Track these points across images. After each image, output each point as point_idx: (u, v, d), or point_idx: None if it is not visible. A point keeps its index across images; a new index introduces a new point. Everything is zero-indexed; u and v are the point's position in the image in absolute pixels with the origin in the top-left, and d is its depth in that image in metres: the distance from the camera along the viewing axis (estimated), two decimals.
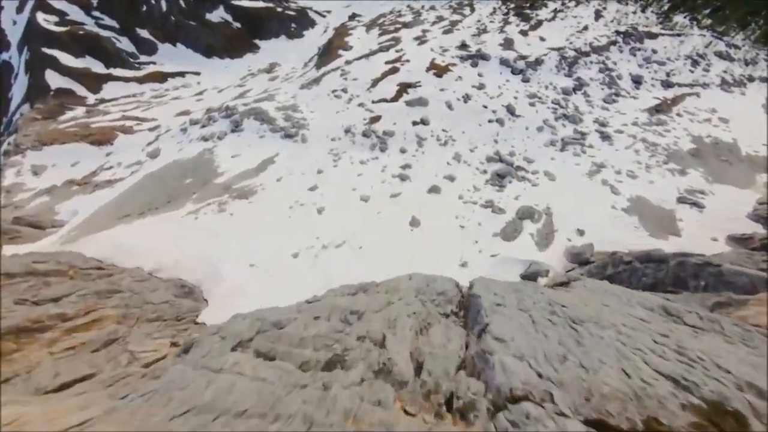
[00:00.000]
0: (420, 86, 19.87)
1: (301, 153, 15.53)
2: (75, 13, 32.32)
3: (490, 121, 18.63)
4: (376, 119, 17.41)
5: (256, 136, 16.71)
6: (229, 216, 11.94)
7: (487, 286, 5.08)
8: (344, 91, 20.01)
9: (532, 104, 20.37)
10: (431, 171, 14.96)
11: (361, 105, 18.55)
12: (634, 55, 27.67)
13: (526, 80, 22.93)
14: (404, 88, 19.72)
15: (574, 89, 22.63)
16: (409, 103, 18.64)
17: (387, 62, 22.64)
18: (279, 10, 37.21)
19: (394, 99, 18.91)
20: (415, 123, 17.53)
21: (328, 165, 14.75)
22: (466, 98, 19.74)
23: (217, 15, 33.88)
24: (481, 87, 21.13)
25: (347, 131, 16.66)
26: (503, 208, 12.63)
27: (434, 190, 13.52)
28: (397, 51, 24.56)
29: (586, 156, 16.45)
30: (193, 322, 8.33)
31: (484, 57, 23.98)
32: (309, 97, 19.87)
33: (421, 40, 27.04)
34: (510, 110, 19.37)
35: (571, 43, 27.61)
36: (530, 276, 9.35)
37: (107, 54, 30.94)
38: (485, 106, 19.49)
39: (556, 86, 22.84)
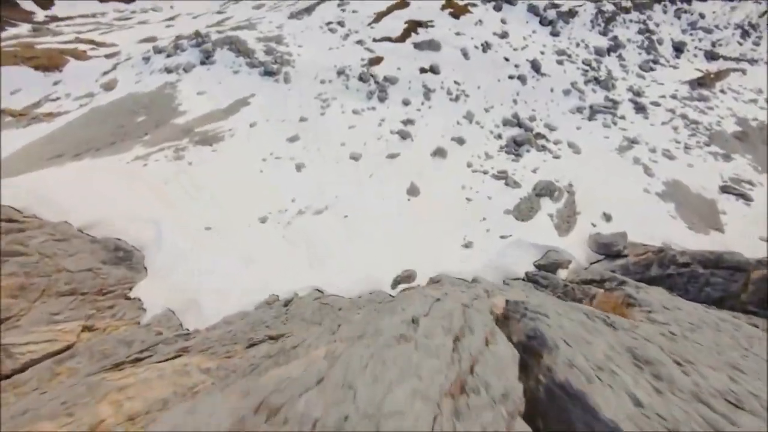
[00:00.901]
0: (432, 26, 16.90)
1: (282, 95, 13.05)
2: None
3: (510, 77, 16.14)
4: (376, 61, 14.73)
5: (230, 71, 13.98)
6: (187, 165, 9.86)
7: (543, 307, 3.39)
8: (341, 24, 16.90)
9: (560, 62, 17.77)
10: (437, 130, 12.83)
11: (359, 42, 15.67)
12: (679, 18, 24.51)
13: (555, 33, 19.98)
14: (413, 26, 16.73)
15: (609, 50, 19.90)
16: (417, 46, 15.84)
17: (398, 5, 19.19)
18: None
19: (400, 39, 16.04)
20: (423, 70, 14.95)
21: (313, 112, 12.43)
22: (486, 47, 16.97)
23: None
24: (503, 35, 18.22)
25: (341, 73, 14.06)
26: (518, 182, 10.85)
27: (439, 153, 11.54)
28: None
29: (616, 128, 14.46)
30: (124, 296, 6.67)
31: (510, 0, 20.62)
32: (298, 29, 16.74)
33: None
34: (535, 67, 16.81)
35: None
36: (548, 266, 7.86)
37: None
38: (507, 59, 16.83)
39: (588, 44, 20.04)
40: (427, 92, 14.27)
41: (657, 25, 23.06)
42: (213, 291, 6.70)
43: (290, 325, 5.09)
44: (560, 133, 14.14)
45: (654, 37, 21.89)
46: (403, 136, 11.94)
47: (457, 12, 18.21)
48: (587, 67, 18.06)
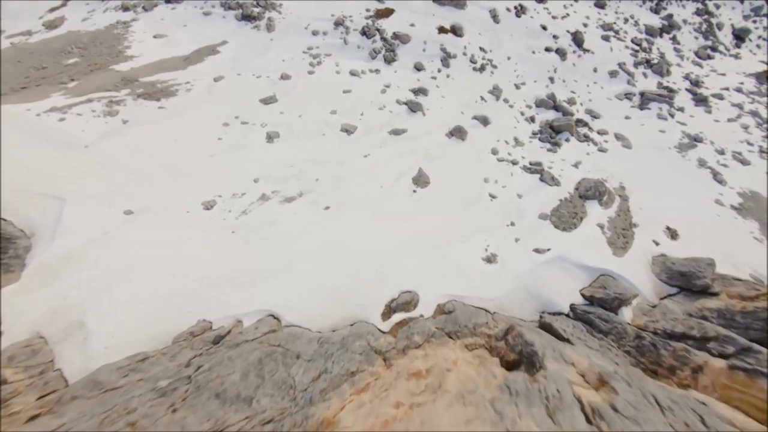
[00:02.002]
0: None
1: (261, 46, 10.65)
2: None
3: (547, 49, 13.73)
4: (384, 13, 12.25)
5: (199, 11, 11.49)
6: (120, 124, 7.60)
7: None
8: None
9: (605, 38, 15.32)
10: (456, 104, 10.55)
11: None
12: (741, 2, 21.84)
13: (600, 5, 17.41)
14: None
15: (662, 31, 17.40)
16: (438, 1, 13.32)
17: None
18: None
19: None
20: (442, 30, 12.50)
21: (299, 70, 10.08)
22: (520, 11, 14.47)
23: None
24: (541, 0, 15.65)
25: (339, 24, 11.61)
26: (557, 178, 8.69)
27: (457, 133, 9.29)
28: None
29: (674, 122, 12.22)
30: None
31: None
32: None
33: None
34: (577, 40, 14.38)
35: None
36: (604, 300, 5.80)
37: None
38: (544, 27, 14.37)
39: (638, 21, 17.51)
40: (446, 57, 11.89)
41: (717, 6, 20.44)
42: (112, 311, 4.59)
43: (198, 399, 3.00)
44: (605, 121, 11.91)
45: (713, 21, 19.34)
46: (413, 108, 9.66)
47: None
48: (637, 47, 15.64)
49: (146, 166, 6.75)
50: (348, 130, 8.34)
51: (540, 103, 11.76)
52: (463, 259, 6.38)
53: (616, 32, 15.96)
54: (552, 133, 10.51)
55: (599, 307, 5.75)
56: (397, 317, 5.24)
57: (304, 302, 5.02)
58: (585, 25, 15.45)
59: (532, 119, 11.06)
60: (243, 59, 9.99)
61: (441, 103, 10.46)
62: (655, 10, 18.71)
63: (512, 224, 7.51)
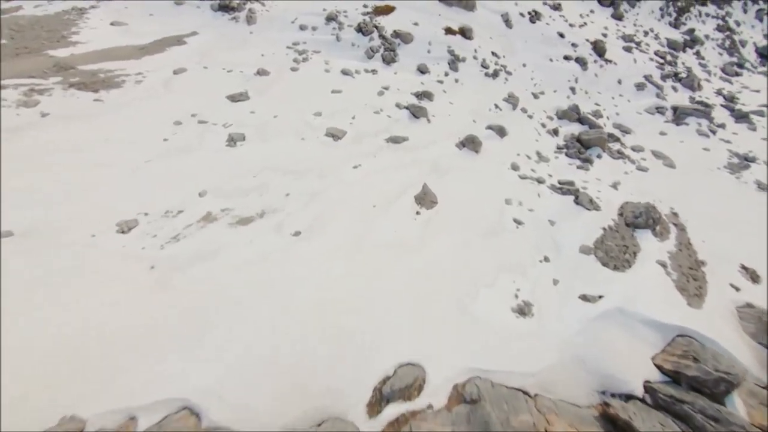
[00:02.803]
0: None
1: (238, 38, 9.35)
2: None
3: (566, 58, 12.65)
4: (384, 10, 11.14)
5: (170, 1, 10.26)
6: (38, 117, 6.02)
7: None
8: None
9: (627, 50, 14.38)
10: (466, 111, 9.16)
11: None
12: (761, 20, 21.49)
13: (618, 17, 16.68)
14: None
15: (685, 45, 16.60)
16: (445, 1, 12.31)
17: None
18: None
19: None
20: (450, 31, 11.37)
21: (281, 66, 8.71)
22: (535, 16, 13.53)
23: None
24: (556, 7, 14.83)
25: (331, 19, 10.42)
26: (595, 200, 7.13)
27: (470, 144, 7.81)
28: None
29: (716, 139, 10.91)
30: None
31: None
32: None
33: None
34: (598, 50, 13.36)
35: None
36: (705, 383, 4.03)
37: None
38: (561, 35, 13.38)
39: (658, 35, 16.75)
40: (454, 61, 10.66)
41: (738, 24, 19.95)
42: None
43: None
44: (638, 137, 10.58)
45: (735, 38, 18.71)
46: (416, 113, 8.21)
47: None
48: (662, 60, 14.68)
49: (54, 173, 5.09)
50: (334, 135, 6.81)
51: (562, 115, 10.45)
52: (486, 312, 4.66)
53: (638, 44, 15.07)
54: (581, 148, 9.08)
55: (694, 390, 3.98)
56: (392, 410, 3.45)
57: (242, 387, 3.24)
58: (604, 35, 14.53)
59: (555, 132, 9.67)
60: (214, 52, 8.62)
61: (449, 109, 9.07)
62: (675, 25, 18.07)
63: (546, 260, 5.86)
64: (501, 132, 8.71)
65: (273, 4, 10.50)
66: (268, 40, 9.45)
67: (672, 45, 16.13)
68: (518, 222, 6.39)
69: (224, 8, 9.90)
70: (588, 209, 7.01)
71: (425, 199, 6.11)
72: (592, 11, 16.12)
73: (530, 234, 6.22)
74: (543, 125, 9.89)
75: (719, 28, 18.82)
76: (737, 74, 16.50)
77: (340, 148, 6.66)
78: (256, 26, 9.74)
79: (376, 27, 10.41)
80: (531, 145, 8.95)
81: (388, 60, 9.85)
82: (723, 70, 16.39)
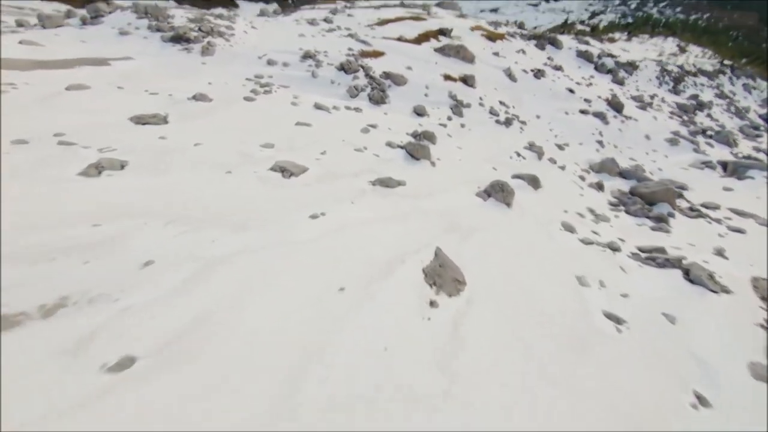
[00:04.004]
0: (460, 38, 12.88)
1: (185, 67, 7.54)
2: None
3: (583, 112, 11.34)
4: (372, 54, 9.88)
5: (115, 32, 8.81)
6: None
7: None
8: (327, 21, 12.83)
9: (641, 108, 13.45)
10: (480, 158, 7.04)
11: (351, 36, 11.17)
12: (750, 93, 22.18)
13: (619, 82, 16.42)
14: (435, 34, 12.67)
15: (695, 108, 16.08)
16: (441, 51, 11.38)
17: (413, 18, 15.95)
18: None
19: (415, 42, 11.69)
20: (449, 78, 10.03)
21: (232, 94, 6.71)
22: (539, 74, 12.71)
23: None
24: (558, 68, 14.33)
25: (308, 56, 8.95)
26: (714, 276, 4.43)
27: (498, 193, 5.38)
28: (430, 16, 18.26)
29: None
30: None
31: (554, 43, 17.76)
32: (265, 22, 12.53)
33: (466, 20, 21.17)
34: (614, 106, 12.27)
35: (667, 58, 22.25)
36: None
37: None
38: (571, 90, 12.38)
39: (664, 99, 16.33)
40: (458, 105, 8.99)
41: (733, 93, 20.29)
42: None
43: None
44: (699, 193, 8.46)
45: (738, 104, 18.65)
46: (415, 153, 5.95)
47: (492, 36, 14.68)
48: (680, 118, 13.70)
49: None
50: (285, 171, 4.29)
51: (600, 168, 8.44)
52: None
53: (649, 104, 14.27)
54: (645, 205, 6.73)
55: None
56: None
57: None
58: (614, 95, 13.71)
59: (599, 186, 7.47)
60: (144, 76, 6.64)
61: (458, 153, 6.91)
62: (675, 92, 17.98)
63: (702, 401, 2.90)
64: (534, 183, 6.40)
65: (241, 41, 9.14)
66: (223, 71, 7.68)
67: (682, 107, 15.50)
68: (615, 319, 3.55)
69: (177, 40, 8.38)
70: (713, 291, 4.29)
71: (443, 276, 3.31)
72: (592, 76, 15.80)
73: (646, 344, 3.34)
74: (582, 178, 7.74)
75: (719, 96, 18.87)
76: (758, 136, 15.63)
77: (292, 188, 4.07)
78: (212, 58, 8.09)
79: (363, 67, 8.93)
80: (576, 200, 6.60)
81: (377, 99, 8.06)
82: (741, 131, 15.56)
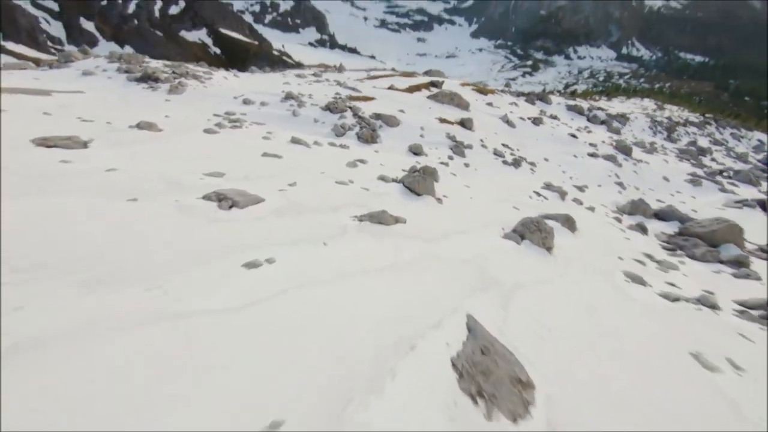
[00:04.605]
0: (452, 89, 12.65)
1: (144, 103, 6.55)
2: None
3: (592, 155, 10.57)
4: (361, 99, 9.22)
5: (78, 72, 8.08)
6: None
7: None
8: (316, 75, 12.62)
9: (648, 152, 12.87)
10: (494, 198, 5.80)
11: (339, 84, 10.72)
12: (740, 141, 22.48)
13: (614, 131, 16.25)
14: (427, 85, 12.44)
15: (698, 153, 15.71)
16: (434, 98, 10.91)
17: (403, 75, 16.20)
18: (273, 52, 35.44)
19: (408, 91, 11.28)
20: (445, 121, 9.28)
21: (189, 126, 5.57)
22: (536, 121, 12.27)
23: (196, 35, 31.16)
24: (554, 117, 14.07)
25: (290, 97, 8.17)
26: None
27: (534, 233, 3.91)
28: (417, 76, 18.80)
29: None
30: None
31: (543, 99, 18.06)
32: (250, 74, 12.27)
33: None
34: (622, 149, 11.62)
35: (653, 111, 22.92)
36: None
37: (15, 27, 26.12)
38: (574, 136, 11.80)
39: (664, 146, 16.03)
40: (458, 146, 8.05)
41: (726, 140, 20.40)
42: None
43: None
44: (753, 234, 7.12)
45: (737, 150, 18.53)
46: (415, 188, 4.69)
47: (483, 91, 14.69)
48: (689, 160, 13.08)
49: None
50: (225, 199, 2.86)
51: (632, 209, 7.23)
52: None
53: (654, 149, 13.76)
54: (710, 248, 5.32)
55: None
56: None
57: None
58: (613, 142, 13.21)
59: (642, 228, 6.16)
60: (87, 107, 5.56)
61: (467, 192, 5.65)
62: (670, 139, 17.87)
63: None
64: (570, 224, 5.04)
65: (218, 84, 8.43)
66: (189, 108, 6.71)
67: (684, 152, 15.08)
68: None
69: (145, 79, 7.58)
70: None
71: (492, 375, 1.71)
72: (587, 126, 15.62)
73: None
74: (618, 219, 6.44)
75: (714, 143, 18.83)
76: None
77: (230, 223, 2.61)
78: (179, 96, 7.20)
79: (352, 108, 8.13)
80: (624, 245, 5.19)
81: (367, 138, 7.05)
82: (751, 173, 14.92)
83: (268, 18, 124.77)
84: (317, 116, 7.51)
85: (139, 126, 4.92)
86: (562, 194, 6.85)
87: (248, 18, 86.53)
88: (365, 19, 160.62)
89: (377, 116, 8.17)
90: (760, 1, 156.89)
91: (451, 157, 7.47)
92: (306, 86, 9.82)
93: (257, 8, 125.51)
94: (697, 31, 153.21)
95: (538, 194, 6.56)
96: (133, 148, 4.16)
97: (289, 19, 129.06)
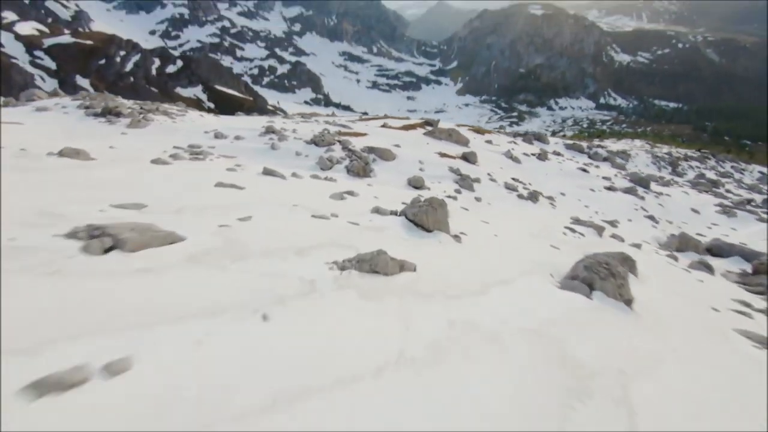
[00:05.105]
0: (449, 127, 12.09)
1: (93, 135, 5.51)
2: (14, 48, 30.27)
3: (609, 188, 9.65)
4: (352, 134, 8.40)
5: (31, 109, 7.18)
6: None
7: None
8: (304, 117, 12.06)
9: (663, 184, 12.07)
10: (524, 233, 4.52)
11: (329, 123, 10.01)
12: (742, 173, 22.16)
13: (619, 167, 15.64)
14: (422, 124, 11.87)
15: (711, 186, 15.00)
16: (431, 134, 10.20)
17: (395, 118, 15.92)
18: (268, 107, 36.51)
19: (402, 129, 10.61)
20: (445, 155, 8.40)
21: (133, 157, 4.46)
22: (541, 156, 11.58)
23: (192, 92, 32.04)
24: (557, 153, 13.47)
25: (270, 131, 7.28)
26: None
27: (607, 282, 2.62)
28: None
29: None
30: None
31: (540, 139, 17.76)
32: (232, 117, 11.66)
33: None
34: (639, 182, 10.78)
35: (651, 147, 22.86)
36: None
37: (10, 83, 26.47)
38: (584, 170, 11.00)
39: (673, 179, 15.36)
40: (464, 179, 7.04)
41: (731, 173, 19.99)
42: None
43: None
44: None
45: (745, 180, 17.96)
46: (424, 224, 3.53)
47: (480, 131, 14.26)
48: (706, 191, 12.23)
49: None
50: (102, 236, 1.59)
51: (680, 245, 6.07)
52: None
53: (667, 182, 12.99)
54: None
55: None
56: None
57: None
58: (625, 177, 12.45)
59: (708, 267, 4.91)
60: (20, 136, 4.46)
61: (487, 228, 4.44)
62: (676, 173, 17.32)
63: None
64: (630, 266, 3.81)
65: (190, 120, 7.56)
66: (146, 140, 5.69)
67: (695, 185, 14.33)
68: None
69: (104, 114, 6.68)
70: None
71: None
72: (591, 162, 15.03)
73: None
74: (674, 257, 5.20)
75: (721, 175, 18.31)
76: None
77: (82, 277, 1.32)
78: (139, 130, 6.23)
79: (341, 142, 7.23)
80: (703, 291, 3.96)
81: (358, 171, 6.01)
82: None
83: (266, 80, 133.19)
84: (300, 149, 6.54)
85: (62, 153, 3.81)
86: (599, 230, 5.67)
87: (246, 80, 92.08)
88: (358, 81, 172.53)
89: (370, 150, 7.25)
90: (717, 54, 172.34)
91: (458, 191, 6.39)
92: (291, 124, 9.06)
93: (255, 71, 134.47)
94: (665, 81, 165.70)
95: (572, 230, 5.38)
96: (32, 175, 2.99)
97: (285, 81, 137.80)
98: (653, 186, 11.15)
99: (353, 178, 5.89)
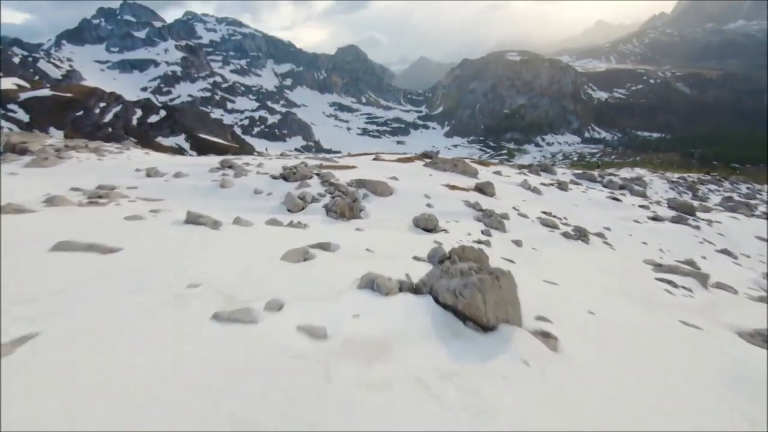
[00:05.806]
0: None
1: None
2: None
3: (656, 219, 8.09)
4: (337, 167, 6.80)
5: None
6: None
7: None
8: (283, 154, 10.54)
9: (703, 210, 10.54)
10: (597, 290, 2.67)
11: (308, 158, 8.47)
12: (761, 194, 21.09)
13: (639, 194, 14.30)
14: (421, 157, 10.46)
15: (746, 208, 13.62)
16: (434, 165, 8.70)
17: (390, 153, 14.67)
18: (253, 153, 35.88)
19: (399, 162, 9.12)
20: (455, 188, 6.79)
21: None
22: (562, 186, 10.12)
23: (174, 140, 31.19)
24: (575, 182, 12.07)
25: (225, 166, 5.62)
26: None
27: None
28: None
29: None
30: None
31: (547, 170, 16.64)
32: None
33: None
34: (682, 208, 9.27)
35: (662, 173, 21.89)
36: None
37: None
38: (615, 199, 9.49)
39: (702, 203, 13.97)
40: (489, 216, 5.38)
41: (754, 194, 18.84)
42: None
43: None
44: None
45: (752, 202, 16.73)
46: (476, 314, 1.60)
47: (484, 163, 12.96)
48: (752, 216, 10.73)
49: None
50: None
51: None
52: None
53: (707, 207, 11.52)
54: None
55: None
56: None
57: None
58: (644, 206, 10.99)
59: None
60: None
61: (564, 296, 2.64)
62: (699, 198, 16.07)
63: None
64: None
65: (124, 158, 5.93)
66: (39, 181, 3.96)
67: (732, 208, 12.93)
68: None
69: (5, 151, 5.00)
70: None
71: None
72: (605, 189, 13.65)
73: None
74: None
75: (745, 196, 17.10)
76: None
77: None
78: (40, 169, 4.51)
79: (322, 177, 5.59)
80: None
81: (342, 211, 4.29)
82: None
83: (256, 130, 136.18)
84: (261, 186, 4.86)
85: None
86: (701, 279, 3.89)
87: (237, 131, 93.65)
88: (348, 129, 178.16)
89: (360, 183, 5.59)
90: (687, 86, 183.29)
91: (486, 232, 4.66)
92: (262, 159, 7.50)
93: (246, 122, 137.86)
94: (644, 114, 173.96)
95: (670, 282, 3.59)
96: None
97: (276, 130, 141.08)
98: (698, 213, 9.62)
99: (335, 221, 4.14)
